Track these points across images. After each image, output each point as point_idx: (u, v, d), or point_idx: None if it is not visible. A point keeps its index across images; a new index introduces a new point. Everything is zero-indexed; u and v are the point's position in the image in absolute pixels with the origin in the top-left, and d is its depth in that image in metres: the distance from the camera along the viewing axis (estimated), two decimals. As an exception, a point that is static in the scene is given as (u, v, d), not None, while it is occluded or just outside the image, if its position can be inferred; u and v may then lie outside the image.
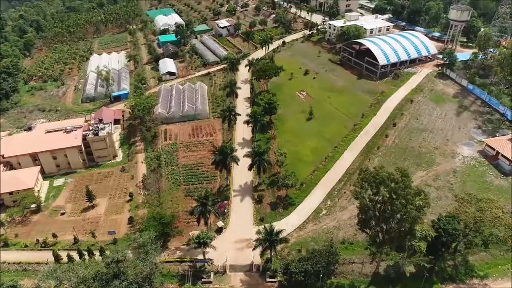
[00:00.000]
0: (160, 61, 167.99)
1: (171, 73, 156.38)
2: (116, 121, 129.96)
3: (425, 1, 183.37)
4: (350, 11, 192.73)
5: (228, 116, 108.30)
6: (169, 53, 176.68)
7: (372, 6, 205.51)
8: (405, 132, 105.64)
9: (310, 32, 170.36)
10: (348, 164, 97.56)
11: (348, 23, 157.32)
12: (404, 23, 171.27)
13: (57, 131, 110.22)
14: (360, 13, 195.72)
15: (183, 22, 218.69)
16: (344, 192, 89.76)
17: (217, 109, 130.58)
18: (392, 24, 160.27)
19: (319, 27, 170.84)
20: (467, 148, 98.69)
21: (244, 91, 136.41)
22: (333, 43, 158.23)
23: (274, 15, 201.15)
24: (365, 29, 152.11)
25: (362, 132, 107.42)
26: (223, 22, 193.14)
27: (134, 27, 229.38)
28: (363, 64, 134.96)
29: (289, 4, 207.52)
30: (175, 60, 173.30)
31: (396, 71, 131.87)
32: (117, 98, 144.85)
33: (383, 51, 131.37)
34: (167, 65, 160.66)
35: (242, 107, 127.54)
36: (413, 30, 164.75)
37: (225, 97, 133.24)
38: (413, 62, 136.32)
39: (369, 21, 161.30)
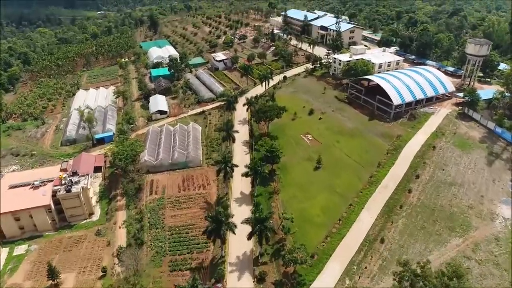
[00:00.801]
0: (150, 98, 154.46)
1: (162, 112, 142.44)
2: (98, 169, 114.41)
3: (432, 32, 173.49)
4: (354, 43, 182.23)
5: (224, 168, 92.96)
6: (161, 89, 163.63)
7: (377, 37, 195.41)
8: (430, 186, 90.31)
9: (313, 66, 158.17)
10: (367, 228, 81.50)
11: (354, 57, 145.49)
12: (413, 57, 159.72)
13: (23, 186, 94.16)
14: (365, 45, 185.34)
15: (177, 55, 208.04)
16: (366, 268, 73.24)
17: (212, 154, 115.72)
18: (402, 58, 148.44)
19: (322, 61, 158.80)
20: (507, 207, 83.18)
21: (242, 134, 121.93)
22: (339, 79, 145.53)
23: (273, 48, 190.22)
24: (373, 63, 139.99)
25: (380, 185, 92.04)
26: (220, 55, 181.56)
27: (126, 59, 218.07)
28: (374, 103, 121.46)
29: (289, 36, 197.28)
30: (168, 96, 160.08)
31: (412, 111, 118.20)
32: (101, 141, 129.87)
33: (396, 89, 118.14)
34: (158, 102, 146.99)
35: (240, 153, 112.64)
36: (424, 64, 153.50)
37: (220, 140, 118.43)
38: (429, 100, 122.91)
39: (377, 55, 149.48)
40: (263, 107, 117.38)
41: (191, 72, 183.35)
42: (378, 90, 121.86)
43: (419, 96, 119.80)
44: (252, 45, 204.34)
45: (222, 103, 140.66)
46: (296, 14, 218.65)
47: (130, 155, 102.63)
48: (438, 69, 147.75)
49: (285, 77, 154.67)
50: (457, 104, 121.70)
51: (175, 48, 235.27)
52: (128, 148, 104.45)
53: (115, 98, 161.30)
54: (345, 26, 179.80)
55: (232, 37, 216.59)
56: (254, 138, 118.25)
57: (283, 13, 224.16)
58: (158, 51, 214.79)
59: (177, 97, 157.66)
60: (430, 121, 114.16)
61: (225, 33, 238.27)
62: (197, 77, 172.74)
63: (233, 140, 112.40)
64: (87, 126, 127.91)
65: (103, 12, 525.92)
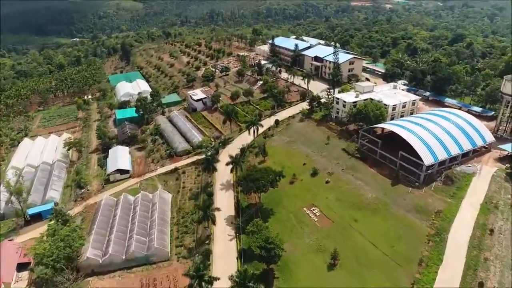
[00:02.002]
0: (110, 151, 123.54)
1: (122, 171, 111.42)
2: (24, 265, 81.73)
3: (445, 63, 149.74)
4: (354, 76, 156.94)
5: (198, 283, 61.90)
6: (125, 137, 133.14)
7: (377, 68, 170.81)
8: (504, 302, 61.50)
9: (310, 107, 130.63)
10: None
11: (361, 96, 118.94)
12: (428, 93, 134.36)
13: None
14: (366, 78, 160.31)
15: (149, 90, 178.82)
16: None
17: (184, 238, 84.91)
18: (418, 97, 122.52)
19: (321, 100, 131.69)
20: None
21: (225, 204, 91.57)
22: (344, 124, 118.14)
23: (261, 82, 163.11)
24: (385, 105, 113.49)
25: (429, 301, 62.75)
26: (198, 93, 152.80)
27: (90, 97, 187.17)
28: (396, 160, 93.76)
29: (279, 68, 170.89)
30: (133, 147, 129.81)
31: (446, 171, 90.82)
32: (37, 217, 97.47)
33: (425, 143, 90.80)
34: (118, 158, 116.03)
35: (223, 240, 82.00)
36: (442, 102, 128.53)
37: (196, 219, 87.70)
38: (465, 155, 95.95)
39: (387, 93, 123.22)
40: (252, 172, 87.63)
41: (163, 113, 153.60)
42: (397, 140, 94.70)
43: (454, 151, 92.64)
44: (236, 79, 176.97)
45: (200, 157, 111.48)
46: (285, 42, 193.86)
47: (63, 255, 70.56)
48: (460, 108, 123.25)
49: (277, 122, 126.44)
50: (500, 159, 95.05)
51: (148, 81, 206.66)
52: (61, 243, 72.40)
53: (67, 151, 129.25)
54: (343, 56, 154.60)
55: (213, 69, 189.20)
56: (241, 212, 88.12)
57: (270, 41, 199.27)
58: (127, 87, 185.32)
59: (145, 148, 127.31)
60: (473, 186, 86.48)
61: (205, 63, 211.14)
62: (171, 121, 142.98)
63: (213, 222, 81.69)
64: (17, 199, 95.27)
65: (77, 39, 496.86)
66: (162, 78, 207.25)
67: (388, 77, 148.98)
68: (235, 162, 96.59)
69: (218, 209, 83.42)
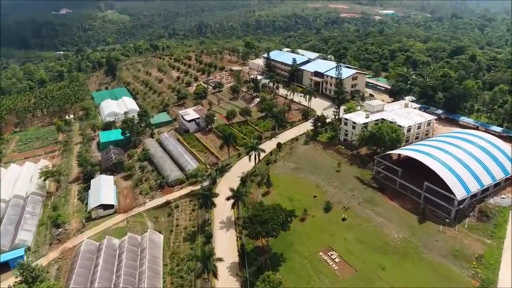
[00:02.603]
0: (92, 182, 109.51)
1: (106, 206, 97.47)
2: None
3: (454, 78, 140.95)
4: (358, 92, 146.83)
5: None
6: (109, 164, 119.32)
7: (380, 83, 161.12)
8: None
9: (315, 128, 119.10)
10: None
11: (372, 117, 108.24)
12: (440, 111, 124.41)
13: None
14: (370, 94, 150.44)
15: (137, 109, 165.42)
16: None
17: (179, 292, 71.36)
18: (434, 117, 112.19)
19: (326, 120, 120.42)
20: None
21: (227, 250, 78.45)
22: (354, 147, 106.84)
23: (258, 100, 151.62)
24: (399, 126, 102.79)
25: None
26: (190, 113, 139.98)
27: (72, 116, 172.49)
28: (418, 190, 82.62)
29: (276, 85, 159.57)
30: (119, 175, 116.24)
31: (479, 204, 79.86)
32: (3, 266, 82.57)
33: (454, 172, 79.88)
34: (102, 190, 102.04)
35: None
36: (456, 121, 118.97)
37: (192, 267, 74.28)
38: (496, 184, 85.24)
39: (399, 113, 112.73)
40: (259, 212, 74.83)
41: (152, 135, 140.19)
42: (417, 167, 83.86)
43: (486, 181, 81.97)
44: (230, 96, 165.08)
45: (194, 188, 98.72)
46: (281, 56, 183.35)
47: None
48: (477, 128, 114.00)
49: (279, 145, 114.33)
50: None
51: (135, 98, 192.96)
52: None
53: (43, 181, 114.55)
54: (346, 72, 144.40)
55: (205, 86, 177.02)
56: (247, 258, 75.07)
57: (265, 55, 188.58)
58: (112, 105, 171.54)
59: (132, 177, 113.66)
60: (513, 222, 75.67)
61: (196, 79, 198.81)
62: (161, 144, 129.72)
63: (215, 276, 68.40)
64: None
65: (61, 52, 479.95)
66: (151, 94, 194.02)
67: (395, 94, 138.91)
68: (237, 196, 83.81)
69: (220, 259, 70.13)
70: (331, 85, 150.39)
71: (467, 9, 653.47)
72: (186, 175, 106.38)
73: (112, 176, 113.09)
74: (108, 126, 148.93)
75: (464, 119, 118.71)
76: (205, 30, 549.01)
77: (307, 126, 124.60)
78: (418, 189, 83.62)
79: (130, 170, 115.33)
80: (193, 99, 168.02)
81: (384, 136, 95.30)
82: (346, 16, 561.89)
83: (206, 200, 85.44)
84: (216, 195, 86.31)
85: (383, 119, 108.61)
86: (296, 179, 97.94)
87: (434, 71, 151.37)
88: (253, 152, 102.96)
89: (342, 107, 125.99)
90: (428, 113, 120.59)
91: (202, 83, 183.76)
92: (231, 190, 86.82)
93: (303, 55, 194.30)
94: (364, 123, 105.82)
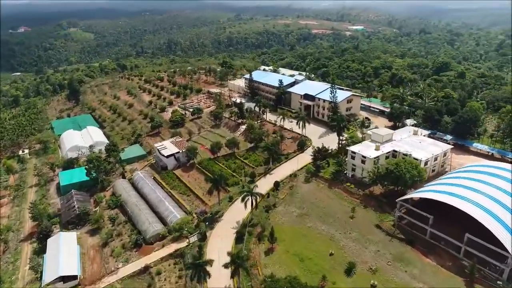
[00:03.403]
0: (49, 242, 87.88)
1: (67, 278, 76.42)
2: None
3: (455, 99, 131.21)
4: (353, 115, 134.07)
5: None
6: (71, 216, 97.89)
7: (376, 105, 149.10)
8: None
9: (314, 160, 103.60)
10: None
11: (383, 149, 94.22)
12: (449, 137, 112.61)
13: None
14: (366, 117, 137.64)
15: (105, 140, 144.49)
16: None
17: None
18: (450, 146, 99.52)
19: (328, 151, 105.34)
20: None
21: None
22: (365, 185, 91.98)
23: (244, 127, 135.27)
24: (415, 159, 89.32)
25: None
26: (168, 146, 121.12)
27: (26, 151, 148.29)
28: (457, 243, 68.31)
29: (262, 109, 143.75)
30: (84, 229, 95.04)
31: (531, 258, 66.28)
32: None
33: (501, 221, 66.14)
34: (61, 255, 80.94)
35: None
36: (468, 147, 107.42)
37: None
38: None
39: (409, 141, 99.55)
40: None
41: (124, 175, 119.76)
42: (448, 210, 69.82)
43: (538, 229, 68.62)
44: (211, 123, 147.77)
45: (180, 246, 79.91)
46: (266, 77, 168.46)
47: None
48: (492, 155, 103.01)
49: (277, 184, 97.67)
50: None
51: (102, 127, 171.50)
52: None
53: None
54: (341, 94, 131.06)
55: (183, 112, 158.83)
56: None
57: (247, 76, 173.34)
58: (75, 137, 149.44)
59: (100, 231, 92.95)
60: None
61: (171, 103, 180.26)
62: (135, 186, 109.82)
63: None
64: None
65: (18, 73, 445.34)
66: (120, 122, 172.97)
67: (395, 117, 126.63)
68: (238, 264, 65.84)
69: None
70: (323, 109, 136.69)
71: (431, 25, 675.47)
72: (169, 228, 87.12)
73: (74, 232, 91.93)
74: (70, 164, 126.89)
75: (478, 146, 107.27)
76: (175, 47, 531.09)
77: (305, 158, 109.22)
78: (456, 242, 69.29)
79: (98, 223, 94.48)
80: (169, 127, 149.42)
81: (403, 174, 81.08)
82: (317, 32, 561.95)
83: (197, 268, 66.80)
84: (210, 262, 67.85)
85: (394, 150, 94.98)
86: (304, 230, 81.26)
87: (434, 91, 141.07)
88: (249, 197, 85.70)
89: (345, 136, 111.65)
90: (435, 139, 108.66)
91: (179, 108, 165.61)
92: (229, 254, 68.84)
93: (292, 75, 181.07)
94: (375, 157, 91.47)
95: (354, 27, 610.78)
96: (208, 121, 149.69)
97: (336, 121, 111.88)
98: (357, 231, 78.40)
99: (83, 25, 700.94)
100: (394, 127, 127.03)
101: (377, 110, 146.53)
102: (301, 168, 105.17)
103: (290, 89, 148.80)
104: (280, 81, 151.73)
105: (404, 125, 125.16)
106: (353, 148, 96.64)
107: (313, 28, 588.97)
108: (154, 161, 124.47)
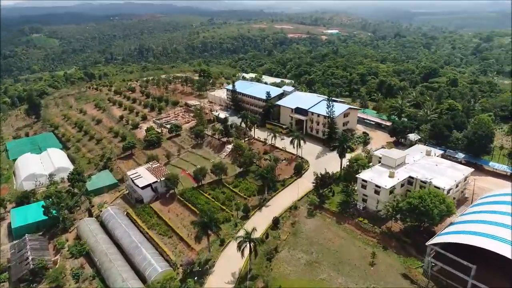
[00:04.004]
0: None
1: None
2: None
3: (460, 110, 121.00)
4: (350, 130, 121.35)
5: None
6: (24, 271, 78.60)
7: (371, 117, 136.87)
8: None
9: (317, 189, 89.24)
10: None
11: (398, 176, 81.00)
12: (461, 155, 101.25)
13: None
14: (363, 132, 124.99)
15: (69, 166, 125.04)
16: None
17: None
18: (471, 169, 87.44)
19: (331, 177, 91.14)
20: None
21: None
22: (380, 219, 78.36)
23: (230, 147, 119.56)
24: (435, 187, 76.82)
25: None
26: (143, 174, 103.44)
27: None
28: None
29: (249, 124, 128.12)
30: (40, 286, 76.08)
31: None
32: None
33: None
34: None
35: None
36: (481, 166, 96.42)
37: None
38: None
39: (424, 164, 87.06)
40: None
41: (91, 212, 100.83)
42: (489, 256, 56.97)
43: None
44: (192, 142, 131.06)
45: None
46: (250, 88, 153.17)
47: None
48: (511, 175, 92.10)
49: (276, 221, 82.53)
50: None
51: (66, 149, 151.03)
52: None
53: None
54: (337, 108, 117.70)
55: (159, 129, 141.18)
56: None
57: (229, 87, 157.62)
58: (33, 162, 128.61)
59: (61, 290, 74.50)
60: None
61: (144, 118, 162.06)
62: (104, 227, 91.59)
63: None
64: None
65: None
66: (86, 142, 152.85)
67: (398, 132, 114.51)
68: None
69: None
70: (318, 124, 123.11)
71: (403, 28, 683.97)
72: (148, 279, 70.05)
73: (28, 296, 73.10)
74: (25, 198, 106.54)
75: (494, 165, 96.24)
76: (147, 53, 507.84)
77: (305, 184, 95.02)
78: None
79: (57, 280, 75.91)
80: (143, 148, 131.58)
81: (431, 210, 68.03)
82: (293, 36, 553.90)
83: None
84: None
85: (411, 177, 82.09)
86: (317, 284, 66.37)
87: (436, 103, 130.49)
88: (247, 244, 70.04)
89: (348, 157, 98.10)
90: (447, 158, 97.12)
91: (154, 125, 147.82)
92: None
93: (274, 83, 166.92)
94: (391, 187, 78.13)
95: (329, 31, 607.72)
96: (188, 140, 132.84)
97: (338, 141, 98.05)
98: (381, 284, 64.34)
99: (47, 30, 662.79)
100: (396, 144, 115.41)
101: (373, 123, 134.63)
102: (302, 198, 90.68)
103: (280, 102, 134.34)
104: (268, 93, 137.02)
105: (407, 141, 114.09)
106: (363, 175, 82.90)
107: (289, 32, 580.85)
108: (127, 192, 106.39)
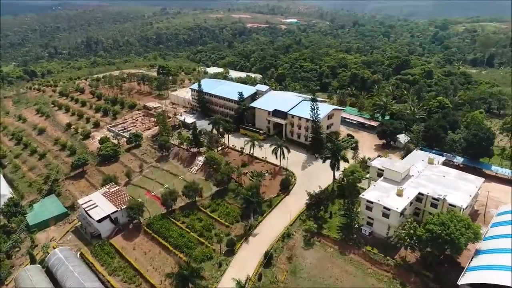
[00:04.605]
0: None
1: None
2: None
3: (451, 108, 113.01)
4: (334, 133, 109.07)
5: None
6: None
7: (353, 116, 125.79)
8: None
9: (313, 212, 76.11)
10: None
11: (405, 192, 69.50)
12: (460, 159, 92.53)
13: None
14: (348, 134, 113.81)
15: (7, 193, 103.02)
16: None
17: None
18: (482, 179, 77.74)
19: (327, 194, 78.23)
20: None
21: None
22: (391, 246, 66.57)
23: (201, 158, 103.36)
24: (451, 205, 66.59)
25: None
26: (100, 202, 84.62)
27: None
28: None
29: (221, 130, 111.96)
30: None
31: None
32: None
33: None
34: None
35: None
36: (481, 170, 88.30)
37: None
38: None
39: (429, 175, 76.46)
40: None
41: (33, 256, 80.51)
42: None
43: None
44: (156, 154, 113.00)
45: None
46: (218, 88, 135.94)
47: None
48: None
49: (269, 256, 68.25)
50: None
51: (2, 167, 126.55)
52: None
53: None
54: (322, 110, 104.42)
55: (115, 139, 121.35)
56: None
57: (194, 86, 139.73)
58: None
59: None
60: None
61: (96, 125, 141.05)
62: (52, 277, 72.50)
63: None
64: None
65: None
66: (27, 157, 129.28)
67: (388, 135, 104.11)
68: None
69: None
70: (299, 128, 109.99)
71: (359, 17, 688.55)
72: None
73: None
74: None
75: (498, 170, 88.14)
76: (96, 47, 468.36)
77: (294, 204, 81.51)
78: None
79: None
80: (98, 164, 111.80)
81: (456, 238, 57.06)
82: (252, 26, 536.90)
83: None
84: None
85: (420, 193, 71.02)
86: None
87: (417, 97, 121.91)
88: (240, 297, 55.37)
89: (341, 170, 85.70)
90: (445, 163, 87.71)
91: (109, 134, 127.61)
92: None
93: (240, 78, 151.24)
94: (403, 209, 66.53)
95: (288, 20, 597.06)
96: (150, 152, 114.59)
97: (331, 151, 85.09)
98: None
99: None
100: (386, 147, 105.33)
101: (355, 122, 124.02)
102: (293, 222, 77.17)
103: (255, 104, 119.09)
104: (241, 93, 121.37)
105: (397, 143, 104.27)
106: (368, 195, 70.47)
107: (247, 22, 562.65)
108: (80, 224, 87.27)
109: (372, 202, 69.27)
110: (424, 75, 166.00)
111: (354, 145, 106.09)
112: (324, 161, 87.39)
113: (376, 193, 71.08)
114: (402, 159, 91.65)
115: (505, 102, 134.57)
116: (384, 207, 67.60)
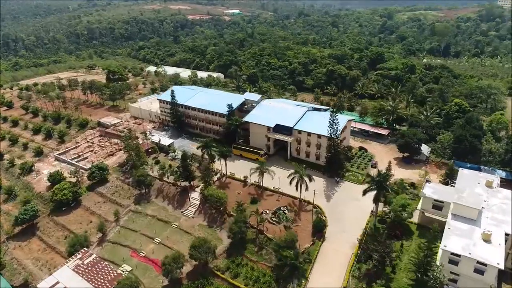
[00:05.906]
0: None
1: None
2: None
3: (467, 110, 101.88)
4: (349, 148, 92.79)
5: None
6: None
7: (359, 125, 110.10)
8: None
9: (364, 261, 58.76)
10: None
11: (495, 238, 54.84)
12: (503, 173, 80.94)
13: None
14: (360, 147, 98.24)
15: None
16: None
17: None
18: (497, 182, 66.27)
19: (380, 242, 61.24)
20: None
21: None
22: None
23: (197, 197, 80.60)
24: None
25: None
26: (70, 284, 58.98)
27: None
28: None
29: (212, 155, 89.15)
30: None
31: None
32: None
33: None
34: None
35: None
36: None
37: None
38: None
39: (502, 207, 62.84)
40: None
41: None
42: None
43: None
44: (131, 192, 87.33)
45: None
46: (196, 97, 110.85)
47: None
48: None
49: None
50: None
51: None
52: None
53: None
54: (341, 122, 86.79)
55: (72, 178, 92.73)
56: None
57: (162, 97, 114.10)
58: None
59: None
60: None
61: (39, 152, 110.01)
62: None
63: None
64: None
65: None
66: None
67: (411, 147, 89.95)
68: None
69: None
70: (308, 146, 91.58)
71: (297, 6, 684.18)
72: None
73: None
74: None
75: (500, 173, 78.25)
76: (15, 45, 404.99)
77: (335, 254, 63.53)
78: None
79: None
80: (51, 212, 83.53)
81: None
82: (194, 17, 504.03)
83: None
84: None
85: (506, 234, 56.85)
86: None
87: (411, 96, 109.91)
88: None
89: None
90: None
91: (60, 166, 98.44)
92: None
93: (204, 78, 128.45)
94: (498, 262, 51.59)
95: (230, 11, 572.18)
96: (123, 189, 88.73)
97: (375, 182, 67.79)
98: None
99: None
100: (407, 160, 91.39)
101: (357, 130, 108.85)
102: (347, 282, 59.14)
103: (249, 118, 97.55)
104: (230, 105, 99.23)
105: (421, 155, 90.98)
106: (451, 246, 54.43)
107: (188, 13, 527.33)
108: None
109: (459, 256, 53.43)
110: (407, 70, 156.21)
111: (373, 160, 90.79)
112: (364, 194, 70.13)
113: (458, 240, 55.36)
114: (444, 179, 78.36)
115: (496, 96, 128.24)
116: (479, 262, 52.09)
